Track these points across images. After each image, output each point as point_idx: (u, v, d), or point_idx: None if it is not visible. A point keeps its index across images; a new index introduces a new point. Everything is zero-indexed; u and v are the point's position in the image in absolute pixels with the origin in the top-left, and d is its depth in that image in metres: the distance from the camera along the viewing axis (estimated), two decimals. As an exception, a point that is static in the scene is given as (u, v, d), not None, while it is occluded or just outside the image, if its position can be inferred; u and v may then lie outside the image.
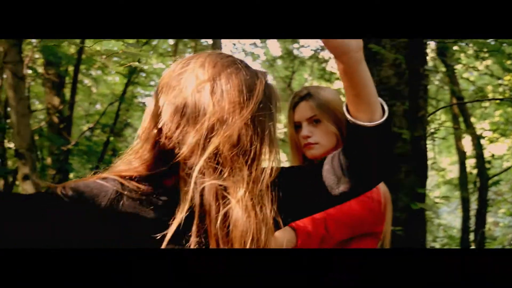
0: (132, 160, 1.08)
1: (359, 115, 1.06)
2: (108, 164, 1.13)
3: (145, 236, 1.01)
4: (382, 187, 1.83)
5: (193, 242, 1.01)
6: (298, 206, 1.14)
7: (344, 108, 1.10)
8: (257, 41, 9.66)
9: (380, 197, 1.78)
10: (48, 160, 6.88)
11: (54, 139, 6.42)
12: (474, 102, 7.04)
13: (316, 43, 8.80)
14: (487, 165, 6.98)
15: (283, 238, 1.48)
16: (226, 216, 1.00)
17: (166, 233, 1.00)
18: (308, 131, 1.83)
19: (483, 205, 6.93)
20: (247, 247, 0.99)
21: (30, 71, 6.95)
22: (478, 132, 7.73)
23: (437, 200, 7.54)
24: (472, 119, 8.16)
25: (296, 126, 1.88)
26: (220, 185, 1.00)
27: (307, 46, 14.89)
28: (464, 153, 7.78)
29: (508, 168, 7.92)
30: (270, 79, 1.14)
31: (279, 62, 9.95)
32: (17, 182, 5.52)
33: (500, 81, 7.06)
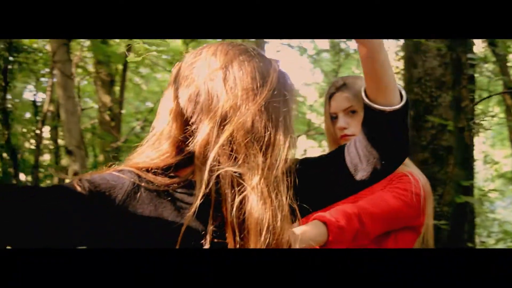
0: (148, 152, 1.08)
1: (378, 99, 1.08)
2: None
3: (163, 227, 1.01)
4: (422, 179, 1.77)
5: (209, 231, 1.01)
6: (316, 195, 1.13)
7: (363, 93, 1.12)
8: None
9: (418, 190, 1.71)
10: (101, 157, 7.07)
11: (104, 136, 6.59)
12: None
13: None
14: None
15: (313, 232, 1.44)
16: (241, 203, 1.00)
17: (182, 223, 1.00)
18: (344, 122, 1.78)
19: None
20: (263, 234, 0.98)
21: (80, 70, 7.14)
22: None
23: (489, 194, 7.28)
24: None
25: (332, 117, 1.83)
26: (235, 172, 1.00)
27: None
28: (519, 145, 7.50)
29: None
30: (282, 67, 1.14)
31: (326, 55, 9.83)
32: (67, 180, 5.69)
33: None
